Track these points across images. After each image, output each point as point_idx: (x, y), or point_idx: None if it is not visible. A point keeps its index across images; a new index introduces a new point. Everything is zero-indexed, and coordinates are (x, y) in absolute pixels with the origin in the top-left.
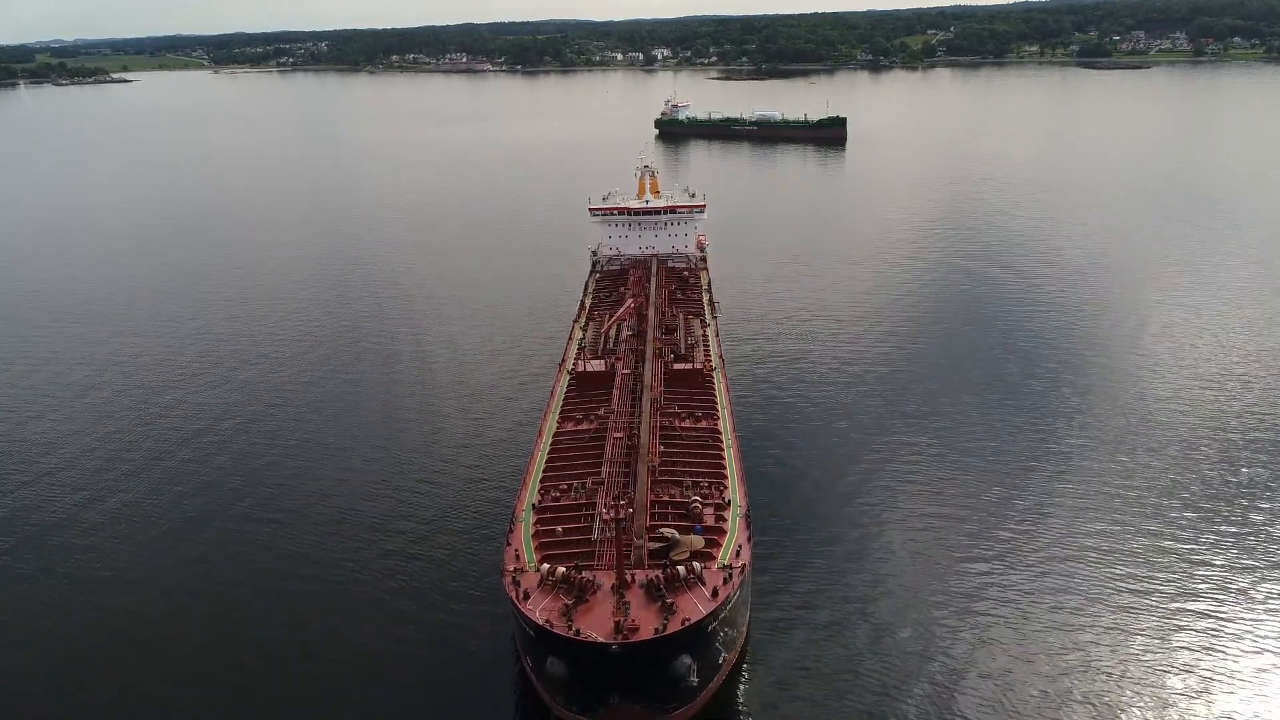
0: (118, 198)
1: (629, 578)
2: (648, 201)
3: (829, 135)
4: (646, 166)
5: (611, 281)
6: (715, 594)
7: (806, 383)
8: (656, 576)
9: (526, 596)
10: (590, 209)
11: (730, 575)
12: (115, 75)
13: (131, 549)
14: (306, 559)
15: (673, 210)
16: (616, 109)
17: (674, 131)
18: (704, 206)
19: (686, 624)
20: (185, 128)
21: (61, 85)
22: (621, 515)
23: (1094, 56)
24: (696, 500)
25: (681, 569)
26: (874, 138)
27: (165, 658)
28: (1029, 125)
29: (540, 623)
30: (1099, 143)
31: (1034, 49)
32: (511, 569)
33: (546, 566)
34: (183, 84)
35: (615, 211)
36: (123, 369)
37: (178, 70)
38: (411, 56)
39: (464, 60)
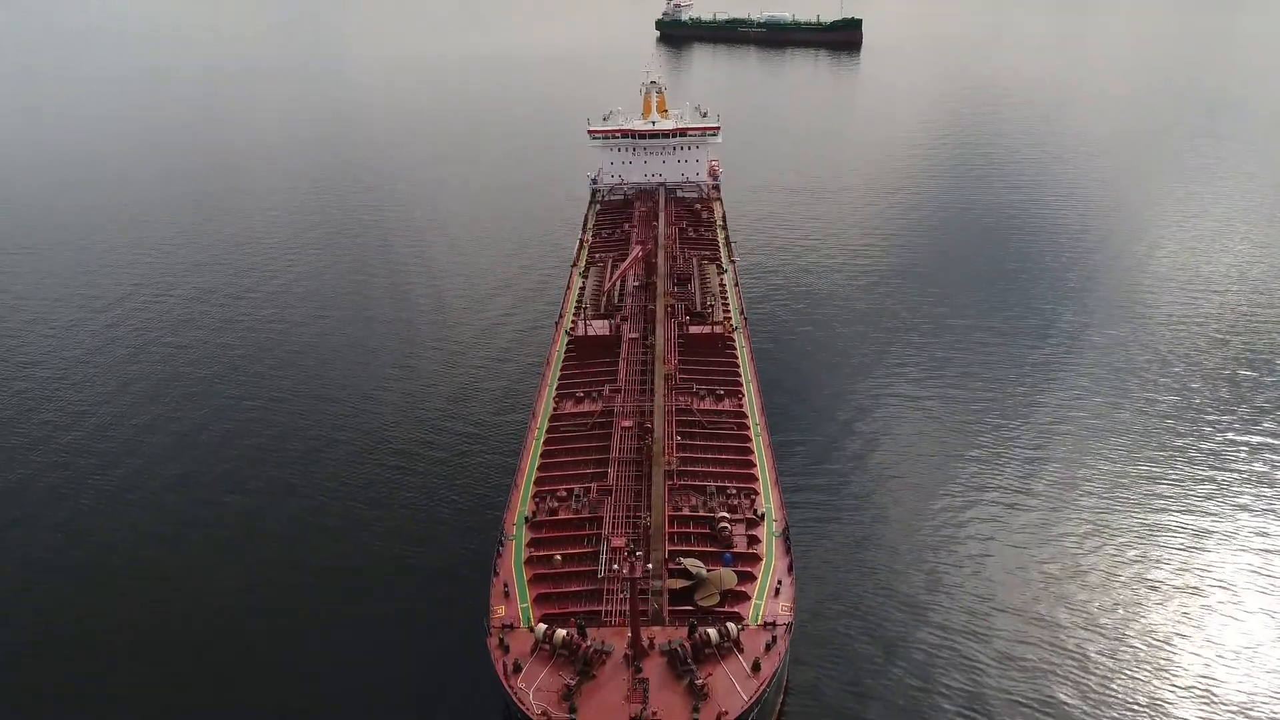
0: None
1: (646, 642)
2: (654, 122)
3: (843, 39)
4: (653, 82)
5: (614, 215)
6: (757, 668)
7: (829, 338)
8: (681, 645)
9: (517, 669)
10: (589, 131)
11: (775, 639)
12: None
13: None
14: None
15: (683, 133)
16: (613, 7)
17: (676, 34)
18: (718, 129)
19: (723, 719)
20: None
21: None
22: (637, 573)
23: None
24: (724, 519)
25: (713, 632)
26: (891, 41)
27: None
28: (1056, 27)
29: (535, 716)
30: (1126, 49)
31: None
32: (499, 625)
33: (543, 628)
34: None
35: (618, 134)
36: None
37: None
38: None
39: None
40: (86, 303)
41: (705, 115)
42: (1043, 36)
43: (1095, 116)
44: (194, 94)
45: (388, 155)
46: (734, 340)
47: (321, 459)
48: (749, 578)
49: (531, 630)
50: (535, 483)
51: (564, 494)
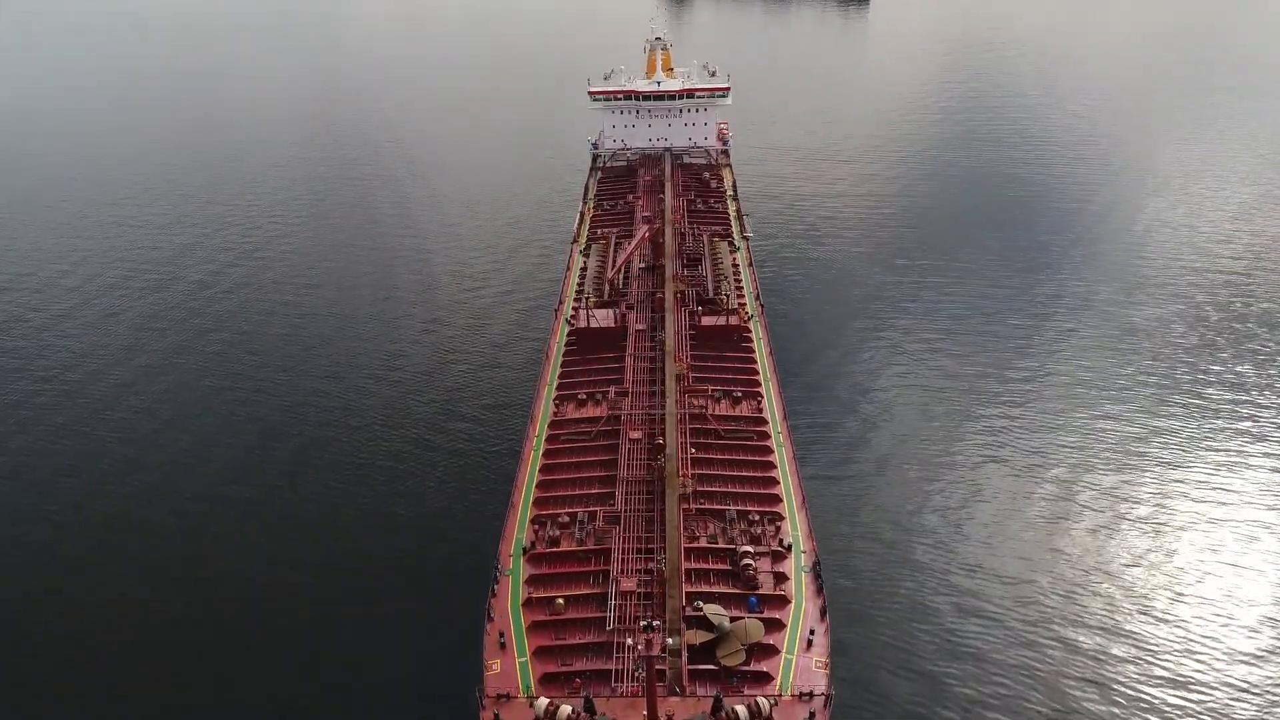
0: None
1: (664, 719)
2: (659, 83)
3: None
4: (658, 39)
5: (616, 183)
6: None
7: (845, 313)
8: None
9: None
10: (590, 92)
11: (812, 715)
12: None
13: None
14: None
15: (690, 94)
16: None
17: None
18: (728, 89)
19: None
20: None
21: None
22: (655, 649)
23: None
24: (748, 553)
25: (742, 710)
26: None
27: None
28: None
29: None
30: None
31: None
32: (494, 695)
33: (544, 702)
34: None
35: (620, 95)
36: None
37: None
38: None
39: None
40: (66, 286)
41: (714, 75)
42: None
43: (1116, 67)
44: (180, 58)
45: (376, 115)
46: (750, 331)
47: (309, 456)
48: (777, 625)
49: (531, 704)
50: (534, 504)
51: (566, 520)
